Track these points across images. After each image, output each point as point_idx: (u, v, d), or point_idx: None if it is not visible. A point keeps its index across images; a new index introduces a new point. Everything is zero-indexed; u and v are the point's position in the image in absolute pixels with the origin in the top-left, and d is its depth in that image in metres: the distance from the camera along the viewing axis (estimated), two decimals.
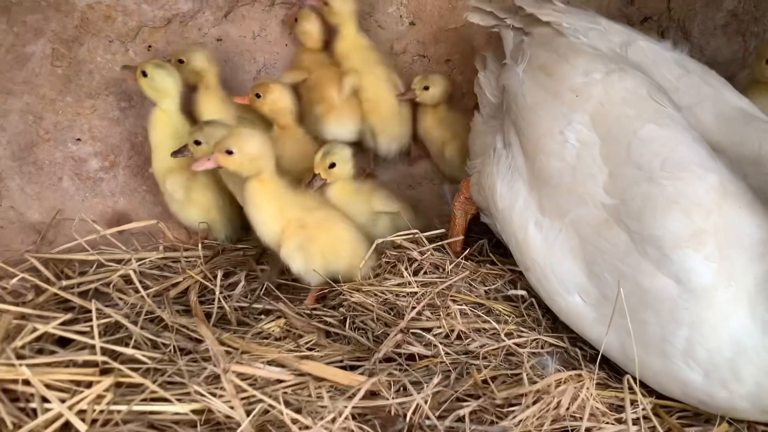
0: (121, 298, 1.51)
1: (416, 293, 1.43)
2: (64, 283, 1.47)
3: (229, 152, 1.45)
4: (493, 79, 1.72)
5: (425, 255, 1.51)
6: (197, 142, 1.61)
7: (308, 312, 1.55)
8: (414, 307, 1.40)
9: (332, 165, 1.63)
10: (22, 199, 1.80)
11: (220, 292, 1.53)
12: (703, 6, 2.11)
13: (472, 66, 2.01)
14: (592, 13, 1.53)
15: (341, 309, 1.50)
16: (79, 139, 1.84)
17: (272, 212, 1.50)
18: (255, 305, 1.58)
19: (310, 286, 1.59)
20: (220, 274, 1.54)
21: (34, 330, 1.24)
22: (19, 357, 1.18)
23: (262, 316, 1.55)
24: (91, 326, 1.32)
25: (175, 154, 1.63)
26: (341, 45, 1.89)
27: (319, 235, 1.53)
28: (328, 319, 1.51)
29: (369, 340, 1.42)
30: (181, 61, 1.77)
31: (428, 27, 2.03)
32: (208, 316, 1.50)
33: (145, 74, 1.69)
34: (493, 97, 1.69)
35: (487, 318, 1.36)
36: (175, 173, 1.72)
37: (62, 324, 1.29)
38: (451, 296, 1.40)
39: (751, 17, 2.13)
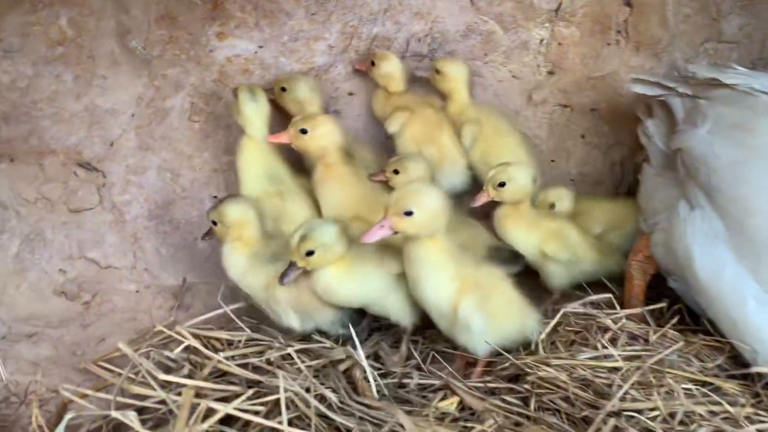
0: (274, 373, 1.37)
1: (620, 368, 1.26)
2: (222, 355, 1.33)
3: (408, 213, 1.30)
4: (663, 126, 1.62)
5: (620, 323, 1.34)
6: (214, 222, 1.49)
7: (478, 386, 1.39)
8: (620, 385, 1.22)
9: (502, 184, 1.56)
10: (157, 261, 1.71)
11: (375, 368, 1.38)
12: None
13: (620, 115, 1.92)
14: None
15: (525, 386, 1.33)
16: (215, 197, 1.75)
17: (450, 273, 1.34)
18: (419, 380, 1.42)
19: (476, 357, 1.42)
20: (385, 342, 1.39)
21: (211, 410, 1.10)
22: None
23: (429, 394, 1.39)
24: (262, 404, 1.18)
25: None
26: (454, 108, 1.79)
27: (492, 296, 1.37)
28: (506, 397, 1.34)
29: (563, 422, 1.25)
30: (283, 89, 1.68)
31: (570, 75, 1.92)
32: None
33: (236, 96, 1.61)
34: (665, 146, 1.59)
35: (717, 398, 1.17)
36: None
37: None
38: (666, 372, 1.22)
39: None
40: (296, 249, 1.38)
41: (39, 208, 1.54)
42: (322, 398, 1.28)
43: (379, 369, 1.40)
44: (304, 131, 1.56)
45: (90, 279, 1.62)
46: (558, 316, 1.43)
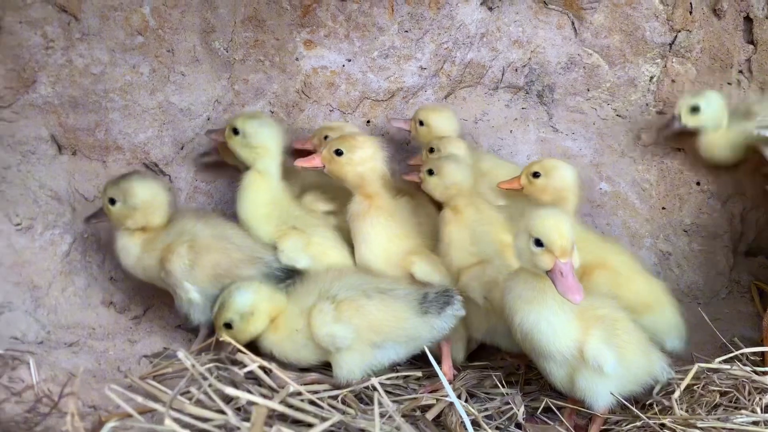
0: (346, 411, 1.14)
1: None
2: (292, 389, 1.10)
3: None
4: None
5: None
6: (112, 201, 1.32)
7: None
8: None
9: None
10: None
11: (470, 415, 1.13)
12: None
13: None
14: None
15: None
16: None
17: (574, 309, 1.12)
18: None
19: (591, 411, 1.17)
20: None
21: None
22: None
23: None
24: None
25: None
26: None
27: (616, 329, 1.15)
28: None
29: None
30: (235, 131, 1.38)
31: None
32: None
33: (236, 132, 1.35)
34: None
35: None
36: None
37: None
38: None
39: None
40: (216, 320, 1.23)
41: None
42: None
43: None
44: (339, 152, 1.29)
45: (143, 292, 1.43)
46: (693, 370, 1.17)
